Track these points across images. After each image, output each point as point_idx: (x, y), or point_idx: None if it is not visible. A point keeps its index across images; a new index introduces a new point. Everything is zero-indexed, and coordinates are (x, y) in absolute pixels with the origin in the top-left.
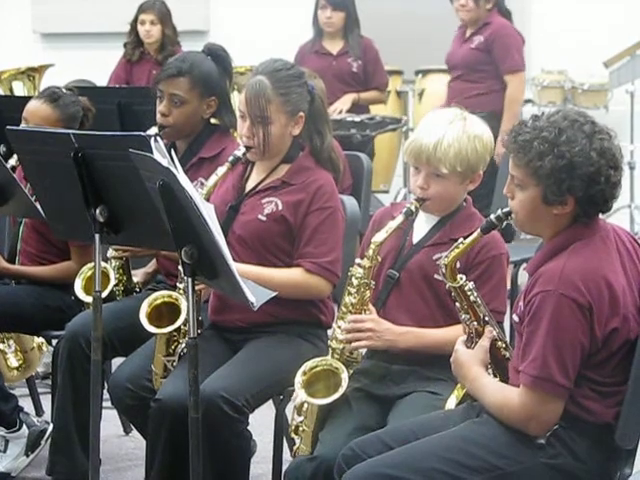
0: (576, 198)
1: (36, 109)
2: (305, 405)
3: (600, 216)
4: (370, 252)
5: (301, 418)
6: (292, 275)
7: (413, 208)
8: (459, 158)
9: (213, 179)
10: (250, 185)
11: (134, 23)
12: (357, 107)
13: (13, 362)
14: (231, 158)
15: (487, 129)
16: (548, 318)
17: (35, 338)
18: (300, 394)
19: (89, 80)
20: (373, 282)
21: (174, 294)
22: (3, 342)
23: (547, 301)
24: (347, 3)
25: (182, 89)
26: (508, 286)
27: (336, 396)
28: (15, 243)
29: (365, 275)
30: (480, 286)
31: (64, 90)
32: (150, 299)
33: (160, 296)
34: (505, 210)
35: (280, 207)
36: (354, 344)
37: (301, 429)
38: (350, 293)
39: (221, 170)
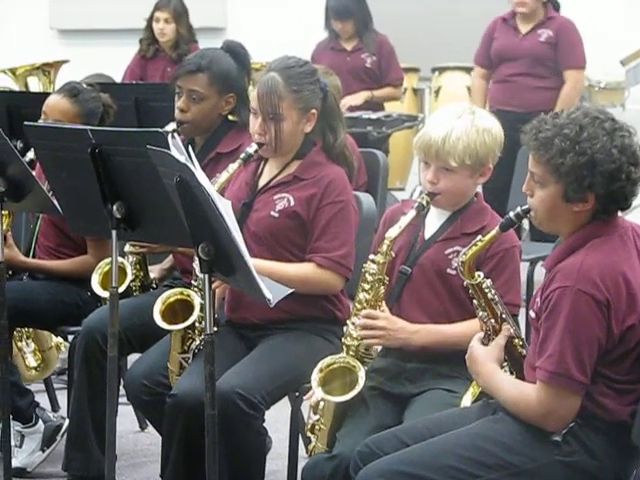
0: (597, 195)
1: (55, 103)
2: (321, 403)
3: (619, 214)
4: (384, 248)
5: (317, 417)
6: (304, 270)
7: (424, 203)
8: (468, 151)
9: (224, 176)
10: (263, 182)
11: (150, 20)
12: (372, 104)
13: (31, 362)
14: (243, 155)
15: (496, 122)
16: (566, 314)
17: (53, 337)
18: (317, 392)
19: (107, 75)
20: (387, 278)
21: (187, 291)
22: (21, 341)
23: (565, 297)
24: (352, 10)
25: (201, 85)
26: (523, 282)
27: (353, 393)
28: (32, 237)
29: (379, 271)
30: (493, 279)
31: (85, 85)
32: (164, 297)
33: (173, 294)
34: (524, 207)
35: (292, 203)
36: (367, 342)
37: (317, 427)
38: (364, 289)
39: (232, 167)
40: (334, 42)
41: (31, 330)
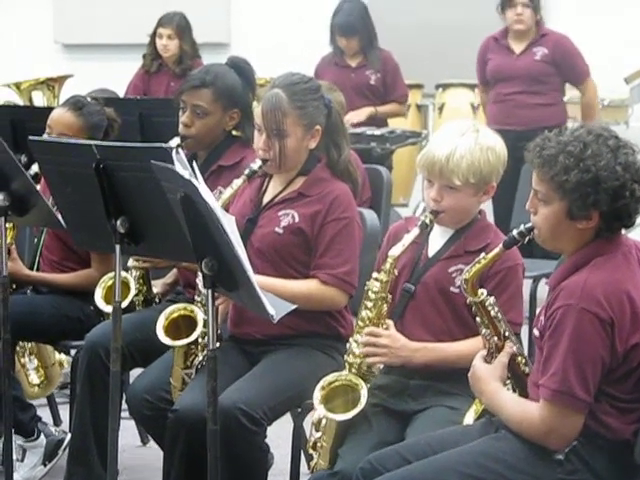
0: (601, 213)
1: (60, 117)
2: (323, 421)
3: (622, 231)
4: (387, 266)
5: (319, 434)
6: (307, 286)
7: (428, 221)
8: (472, 170)
9: (228, 192)
10: (267, 198)
11: (153, 36)
12: (376, 120)
13: (34, 379)
14: (247, 171)
15: (500, 140)
16: (569, 332)
17: (56, 354)
18: (319, 409)
19: (111, 90)
20: (390, 296)
21: (190, 307)
22: (24, 357)
23: (568, 315)
24: (357, 27)
25: (205, 100)
26: (526, 300)
27: (355, 412)
28: (36, 250)
29: (382, 289)
30: (496, 297)
31: (89, 99)
32: (167, 312)
33: (176, 309)
34: (527, 225)
35: (297, 219)
36: (370, 360)
37: (319, 445)
38: (367, 307)
39: (237, 182)
40: (338, 58)
41: (34, 346)
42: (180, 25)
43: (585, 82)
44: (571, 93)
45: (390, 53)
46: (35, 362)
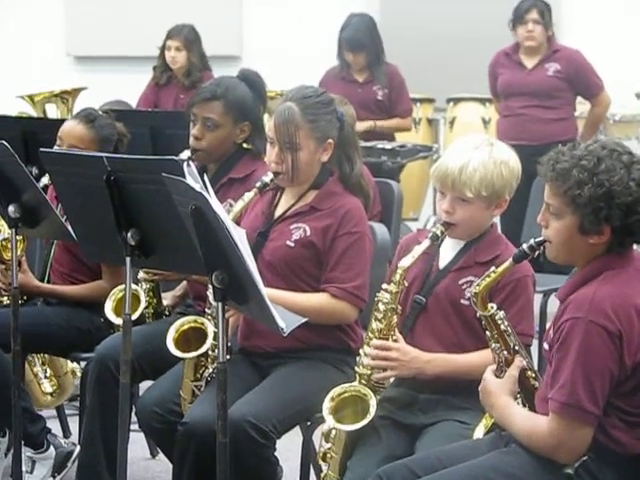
0: (613, 228)
1: (71, 129)
2: (333, 431)
3: (634, 247)
4: (397, 277)
5: (329, 445)
6: (318, 300)
7: (439, 232)
8: (484, 183)
9: (240, 204)
10: (279, 211)
11: (163, 48)
12: (378, 134)
13: (47, 387)
14: (259, 184)
15: (514, 155)
16: (577, 345)
17: (69, 363)
18: (328, 420)
19: (125, 102)
20: (400, 307)
21: (200, 319)
22: (36, 366)
23: (577, 328)
24: (365, 43)
25: (216, 113)
26: (536, 314)
27: (364, 422)
28: (46, 262)
29: (392, 300)
30: (506, 309)
31: (100, 112)
32: (177, 324)
33: (187, 321)
34: (538, 239)
35: (308, 233)
36: (381, 375)
37: (329, 456)
38: (377, 318)
39: (248, 196)
40: (345, 72)
41: (46, 356)
42: (188, 37)
43: (599, 95)
44: (582, 108)
45: (396, 67)
46: (48, 371)
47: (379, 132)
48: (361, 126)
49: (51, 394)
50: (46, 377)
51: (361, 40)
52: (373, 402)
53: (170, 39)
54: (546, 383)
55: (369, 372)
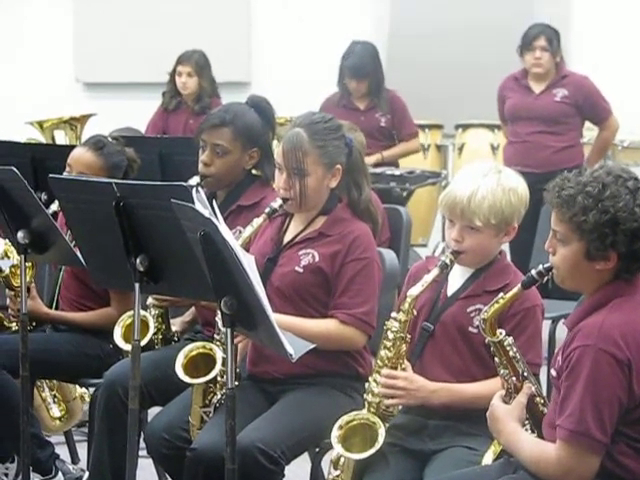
0: (619, 254)
1: (80, 156)
2: (342, 459)
3: None
4: (406, 306)
5: (337, 472)
6: (326, 326)
7: (448, 261)
8: (493, 211)
9: (249, 230)
10: (288, 237)
11: (173, 73)
12: (385, 164)
13: (55, 412)
14: (268, 210)
15: (522, 181)
16: (586, 373)
17: (77, 388)
18: (337, 448)
19: (136, 129)
20: (409, 336)
21: (209, 345)
22: (45, 391)
23: (586, 356)
24: (368, 70)
25: (225, 139)
26: (545, 340)
27: (372, 451)
28: (54, 289)
29: (401, 329)
30: (515, 338)
31: (110, 139)
32: (186, 350)
33: (195, 347)
34: (546, 265)
35: (317, 258)
36: (388, 402)
37: None
38: (386, 347)
39: (257, 221)
40: (346, 100)
41: (55, 381)
42: (199, 63)
43: (608, 120)
44: (590, 134)
45: (395, 92)
46: (57, 396)
47: (388, 162)
48: (369, 160)
49: (59, 419)
50: (55, 402)
51: (365, 68)
52: (382, 431)
53: (181, 64)
54: (553, 410)
55: (378, 400)
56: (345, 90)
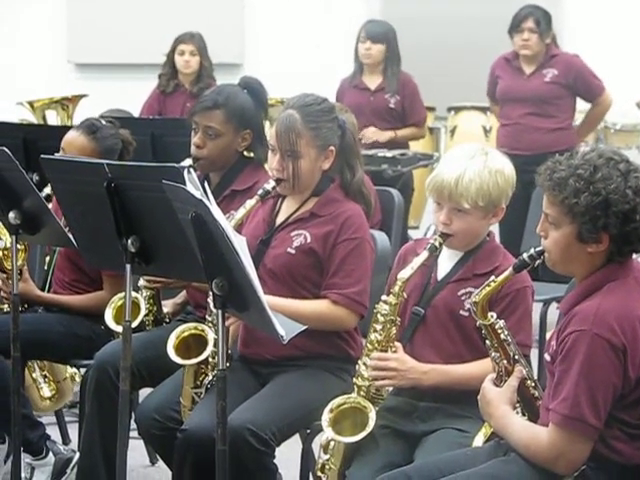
0: (611, 236)
1: (73, 140)
2: (332, 443)
3: (633, 256)
4: (396, 289)
5: (327, 456)
6: (318, 307)
7: (437, 244)
8: (480, 193)
9: (241, 212)
10: (280, 219)
11: (171, 54)
12: (396, 143)
13: (46, 392)
14: (260, 192)
15: (508, 163)
16: (581, 358)
17: (68, 368)
18: (327, 432)
19: (126, 110)
20: (399, 319)
21: (201, 326)
22: (35, 371)
23: (581, 341)
24: (388, 37)
25: (217, 122)
26: (536, 323)
27: (363, 434)
28: (48, 271)
29: (391, 312)
30: (505, 319)
31: (104, 122)
32: (177, 331)
33: (187, 328)
34: (538, 249)
35: (309, 239)
36: (378, 383)
37: (327, 467)
38: (376, 330)
39: (249, 203)
40: (357, 79)
41: (45, 362)
42: (200, 43)
43: (601, 96)
44: (582, 117)
45: (409, 76)
46: (47, 376)
47: (398, 142)
48: (384, 135)
49: (50, 399)
50: (45, 382)
51: (385, 33)
52: (372, 414)
53: (183, 43)
54: (547, 394)
55: (368, 384)
56: (358, 67)
